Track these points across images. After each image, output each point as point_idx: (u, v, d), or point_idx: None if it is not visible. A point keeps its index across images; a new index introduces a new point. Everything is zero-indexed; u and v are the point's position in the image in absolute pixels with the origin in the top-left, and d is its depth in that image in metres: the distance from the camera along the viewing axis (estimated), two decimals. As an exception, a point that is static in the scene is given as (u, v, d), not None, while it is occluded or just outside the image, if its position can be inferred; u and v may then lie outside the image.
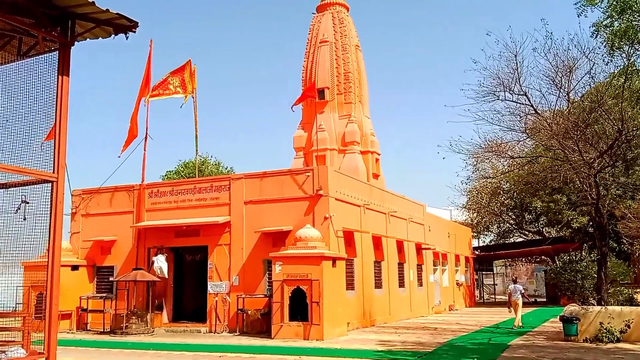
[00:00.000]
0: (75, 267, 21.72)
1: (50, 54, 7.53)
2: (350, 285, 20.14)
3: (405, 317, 24.82)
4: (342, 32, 28.11)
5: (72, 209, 23.16)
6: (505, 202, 40.10)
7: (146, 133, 22.60)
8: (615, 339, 15.34)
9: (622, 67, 14.79)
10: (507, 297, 22.99)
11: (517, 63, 16.78)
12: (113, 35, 7.72)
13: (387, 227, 24.15)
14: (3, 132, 7.14)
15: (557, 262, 27.77)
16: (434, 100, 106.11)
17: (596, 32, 14.10)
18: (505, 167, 29.72)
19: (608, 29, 13.48)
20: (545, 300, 40.27)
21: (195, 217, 20.71)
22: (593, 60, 15.75)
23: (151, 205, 21.77)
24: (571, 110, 17.00)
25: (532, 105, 17.47)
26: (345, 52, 27.70)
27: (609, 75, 16.23)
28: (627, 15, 12.68)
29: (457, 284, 34.30)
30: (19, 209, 6.98)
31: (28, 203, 7.15)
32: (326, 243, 18.44)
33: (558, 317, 17.47)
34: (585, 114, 16.54)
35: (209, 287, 20.26)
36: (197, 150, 25.05)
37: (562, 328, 16.50)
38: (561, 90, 17.08)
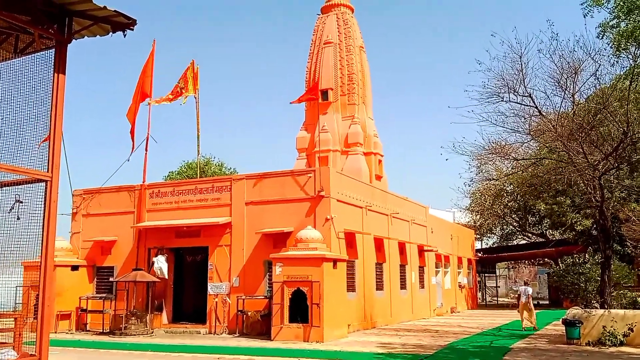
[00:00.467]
0: (75, 267, 21.63)
1: (47, 51, 7.45)
2: (351, 287, 20.00)
3: (406, 319, 24.67)
4: (347, 33, 28.01)
5: (72, 209, 23.08)
6: (509, 204, 39.93)
7: (148, 134, 22.56)
8: (619, 342, 15.17)
9: (628, 68, 14.63)
10: (516, 299, 23.10)
11: (522, 64, 16.64)
12: (111, 33, 7.63)
13: (389, 228, 24.01)
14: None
15: (560, 265, 27.56)
16: (437, 102, 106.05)
17: (602, 33, 13.94)
18: (509, 169, 29.57)
19: (614, 29, 13.33)
20: (547, 302, 40.04)
21: (196, 217, 20.60)
22: (599, 62, 15.59)
23: (152, 206, 21.67)
24: (576, 112, 16.82)
25: (536, 107, 17.32)
26: (349, 53, 27.60)
27: (615, 78, 16.07)
28: (634, 16, 12.53)
29: (460, 286, 34.14)
30: (13, 208, 6.87)
31: (22, 202, 7.04)
32: (327, 244, 18.32)
33: (561, 320, 17.32)
34: (590, 116, 16.37)
35: (209, 288, 20.15)
36: (198, 151, 25.00)
37: (564, 331, 16.35)
38: (566, 92, 16.90)
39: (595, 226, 30.33)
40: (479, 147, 19.06)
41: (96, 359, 13.81)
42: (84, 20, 7.35)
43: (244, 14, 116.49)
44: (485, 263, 41.73)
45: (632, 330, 15.26)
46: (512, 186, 37.63)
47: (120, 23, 7.32)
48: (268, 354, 14.36)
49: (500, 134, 22.93)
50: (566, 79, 16.86)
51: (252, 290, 19.41)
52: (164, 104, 23.35)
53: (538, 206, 33.31)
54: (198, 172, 26.91)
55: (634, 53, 14.19)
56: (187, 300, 22.22)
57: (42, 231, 6.73)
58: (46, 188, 6.86)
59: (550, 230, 39.89)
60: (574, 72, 16.65)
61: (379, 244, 22.75)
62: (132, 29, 7.50)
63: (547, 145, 19.04)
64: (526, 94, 17.20)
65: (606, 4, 13.34)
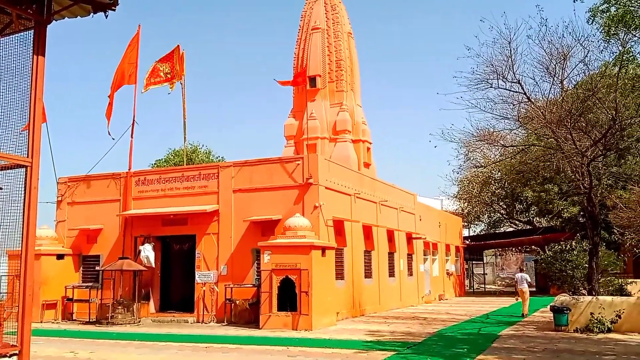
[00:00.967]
0: (60, 256, 21.36)
1: (26, 32, 7.21)
2: (339, 274, 19.93)
3: (395, 306, 24.69)
4: (335, 19, 27.73)
5: (57, 197, 22.77)
6: (496, 191, 40.05)
7: (133, 120, 22.23)
8: (606, 329, 15.24)
9: (616, 55, 14.57)
10: (513, 286, 23.43)
11: (510, 50, 16.54)
12: (92, 14, 7.40)
13: (377, 216, 23.95)
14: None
15: (548, 252, 27.68)
16: (426, 89, 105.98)
17: (592, 18, 13.85)
18: (497, 156, 29.57)
19: (605, 14, 13.23)
20: (535, 289, 40.31)
21: (183, 205, 20.39)
22: (588, 48, 15.52)
23: (138, 194, 21.41)
24: (565, 99, 16.76)
25: (525, 94, 17.25)
26: (337, 39, 27.34)
27: (603, 64, 16.01)
28: (624, 1, 12.44)
29: (447, 273, 34.26)
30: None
31: (2, 189, 6.84)
32: (316, 232, 18.20)
33: (548, 306, 17.38)
34: (579, 103, 16.33)
35: (196, 276, 19.99)
36: (185, 137, 24.78)
37: (552, 318, 16.39)
38: (555, 78, 16.84)
39: (582, 213, 30.48)
40: (467, 134, 18.99)
41: (82, 348, 13.61)
42: (64, 0, 7.13)
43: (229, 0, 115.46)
44: (472, 250, 41.89)
45: (619, 317, 15.33)
46: (499, 173, 37.71)
47: (101, 3, 7.10)
48: (256, 342, 14.25)
49: (489, 120, 22.98)
50: (555, 65, 16.79)
51: (240, 278, 19.28)
52: (154, 87, 23.00)
53: (525, 193, 33.40)
54: (185, 159, 26.63)
55: (623, 39, 14.13)
56: (175, 289, 22.06)
57: (23, 218, 6.55)
58: (26, 174, 6.67)
59: (538, 218, 40.10)
60: (562, 58, 16.56)
61: (367, 231, 22.69)
62: (114, 9, 7.27)
63: (535, 132, 19.00)
64: (515, 81, 17.12)
65: (597, -12, 13.25)
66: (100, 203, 21.89)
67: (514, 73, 16.94)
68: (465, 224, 43.83)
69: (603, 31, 13.65)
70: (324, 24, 27.51)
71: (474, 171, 39.17)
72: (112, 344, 14.52)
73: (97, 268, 21.15)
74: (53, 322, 20.13)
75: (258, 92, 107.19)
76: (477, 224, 47.04)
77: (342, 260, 20.42)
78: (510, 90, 17.43)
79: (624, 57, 14.02)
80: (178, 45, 23.34)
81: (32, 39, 7.05)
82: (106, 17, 7.36)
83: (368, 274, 22.66)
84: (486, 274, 50.52)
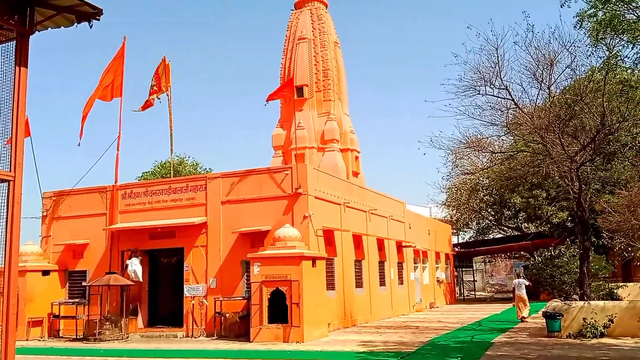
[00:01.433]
0: (46, 272, 20.97)
1: (7, 43, 7.05)
2: (330, 285, 19.75)
3: (386, 316, 24.53)
4: (321, 29, 27.73)
5: (42, 212, 22.41)
6: (485, 198, 40.13)
7: (119, 134, 21.97)
8: (599, 334, 15.21)
9: (603, 60, 14.63)
10: (511, 292, 23.65)
11: (498, 57, 16.55)
12: (76, 24, 7.25)
13: (367, 225, 23.83)
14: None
15: (538, 258, 27.72)
16: (414, 97, 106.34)
17: (580, 23, 13.90)
18: (485, 163, 29.61)
19: (592, 18, 13.29)
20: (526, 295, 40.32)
21: (171, 218, 20.13)
22: (574, 53, 15.59)
23: (124, 207, 21.13)
24: (552, 104, 16.80)
25: (512, 100, 17.27)
26: (324, 49, 27.32)
27: (590, 69, 16.08)
28: (611, 5, 12.51)
29: (438, 281, 34.19)
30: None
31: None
32: (306, 242, 18.03)
33: (541, 312, 17.33)
34: (566, 108, 16.38)
35: (185, 290, 19.70)
36: (172, 149, 24.41)
37: (545, 324, 16.34)
38: (542, 84, 16.88)
39: (570, 219, 30.59)
40: (455, 141, 18.96)
41: (69, 366, 13.32)
42: (47, 10, 6.98)
43: (216, 9, 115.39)
44: (462, 257, 41.88)
45: (612, 322, 15.30)
46: (488, 180, 37.79)
47: (85, 13, 6.94)
48: (247, 356, 14.03)
49: (477, 127, 22.88)
50: (542, 71, 16.83)
51: (229, 291, 19.03)
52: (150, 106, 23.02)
53: (514, 200, 33.50)
54: (171, 171, 26.34)
55: (609, 44, 14.19)
56: (163, 303, 21.73)
57: (5, 234, 6.36)
58: (9, 188, 6.48)
59: (526, 224, 40.20)
60: (549, 64, 16.61)
61: (357, 240, 22.55)
62: (98, 19, 7.13)
63: (524, 137, 19.02)
64: (502, 87, 17.14)
65: (583, -6, 13.31)
66: (86, 217, 21.55)
67: (501, 79, 16.98)
68: (454, 231, 43.84)
69: (591, 36, 13.71)
70: (310, 34, 27.49)
71: (462, 178, 39.23)
72: (100, 361, 14.22)
73: (83, 284, 20.80)
74: (39, 340, 19.72)
75: (245, 102, 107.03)
76: (465, 231, 47.13)
77: (333, 270, 20.25)
78: (498, 97, 17.46)
79: (611, 61, 14.07)
80: (164, 57, 23.23)
81: (14, 50, 6.91)
82: (90, 27, 7.22)
83: (359, 284, 22.50)
84: (476, 281, 50.55)
